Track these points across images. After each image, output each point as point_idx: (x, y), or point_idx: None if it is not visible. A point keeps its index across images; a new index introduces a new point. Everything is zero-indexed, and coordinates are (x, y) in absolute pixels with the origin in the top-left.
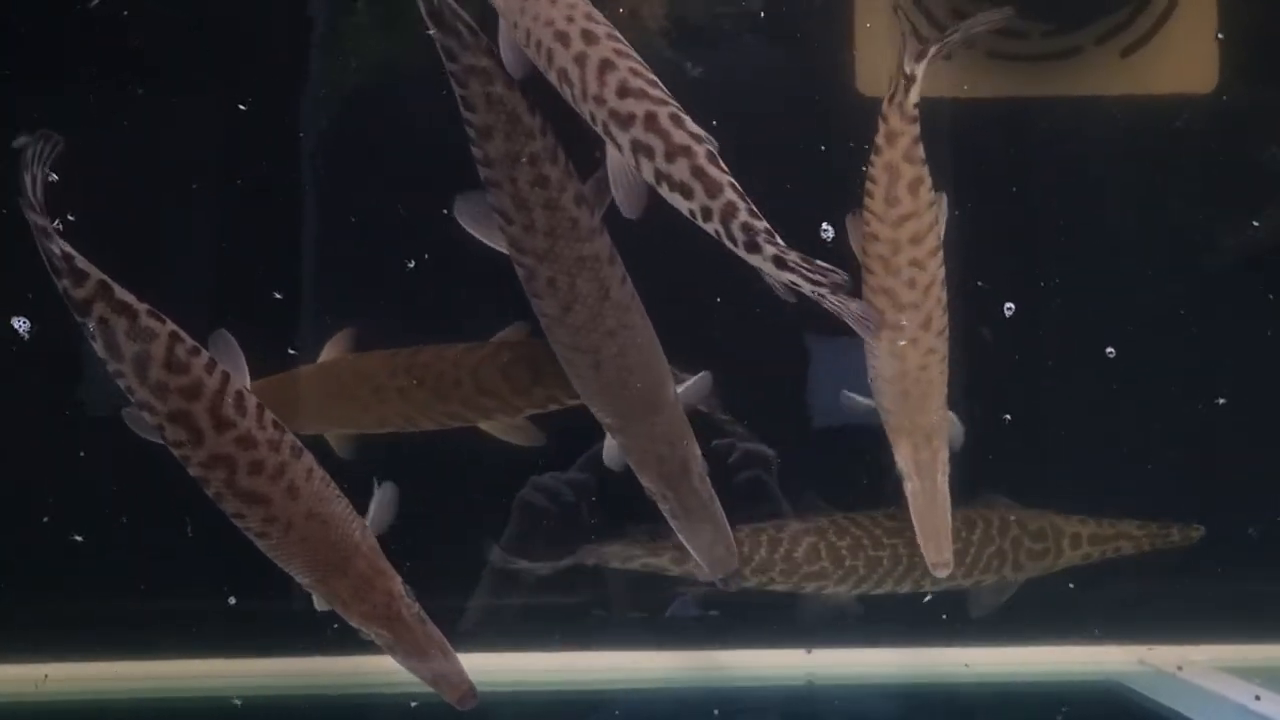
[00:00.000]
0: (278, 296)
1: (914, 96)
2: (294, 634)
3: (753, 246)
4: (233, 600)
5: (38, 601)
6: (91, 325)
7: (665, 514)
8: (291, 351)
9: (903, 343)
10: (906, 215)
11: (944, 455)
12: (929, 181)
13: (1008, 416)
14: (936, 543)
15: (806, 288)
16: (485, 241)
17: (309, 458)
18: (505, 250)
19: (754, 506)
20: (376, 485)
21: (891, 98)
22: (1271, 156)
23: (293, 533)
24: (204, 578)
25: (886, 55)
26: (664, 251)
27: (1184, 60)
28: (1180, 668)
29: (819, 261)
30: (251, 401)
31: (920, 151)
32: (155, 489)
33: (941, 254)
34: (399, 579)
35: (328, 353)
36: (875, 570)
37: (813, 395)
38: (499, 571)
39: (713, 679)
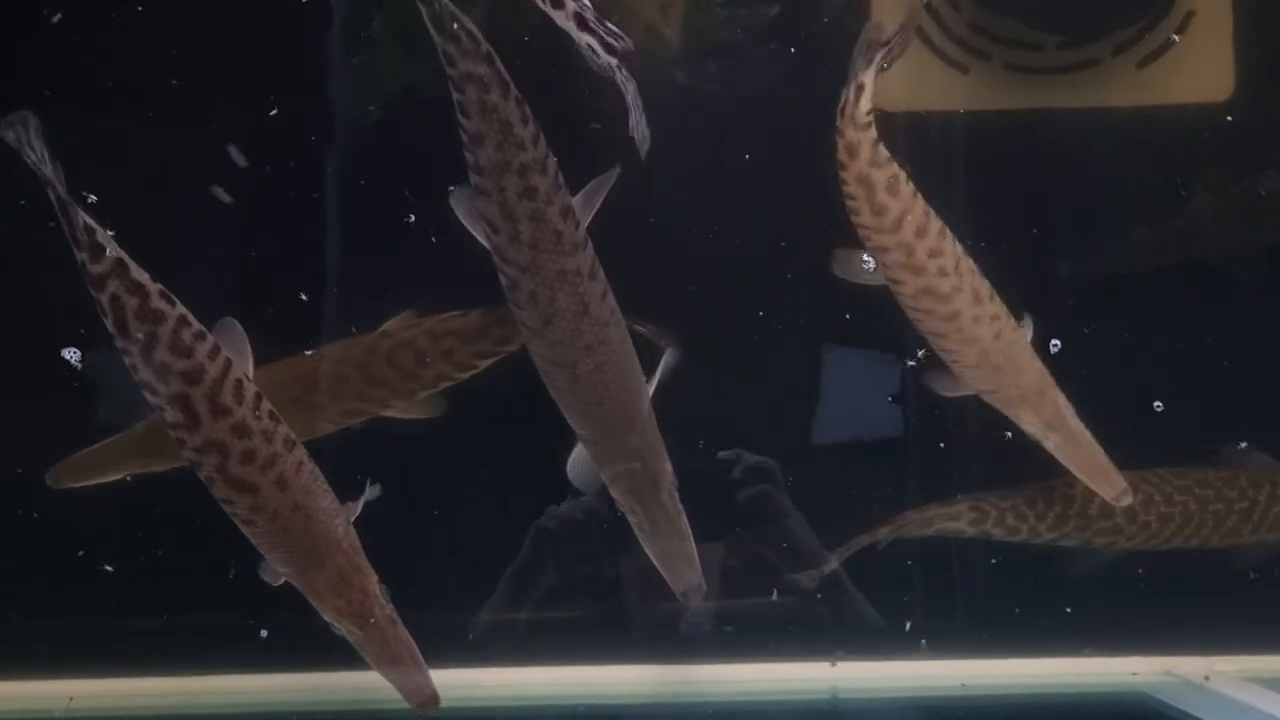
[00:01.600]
0: (303, 298)
1: (865, 104)
2: (321, 650)
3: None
4: (264, 633)
5: (64, 618)
6: (104, 301)
7: (633, 526)
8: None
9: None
10: (899, 216)
11: (1062, 399)
12: (903, 174)
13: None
14: (1105, 478)
15: (601, 54)
16: (475, 235)
17: (301, 451)
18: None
19: (761, 521)
20: (369, 484)
21: (843, 110)
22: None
23: (278, 523)
24: (229, 594)
25: (902, 69)
26: (669, 258)
27: (1200, 70)
28: (1207, 678)
29: (609, 24)
30: (250, 391)
31: (884, 152)
32: (183, 506)
33: (946, 228)
34: (376, 578)
35: None
36: (1167, 526)
37: (821, 406)
38: (514, 585)
39: (735, 692)
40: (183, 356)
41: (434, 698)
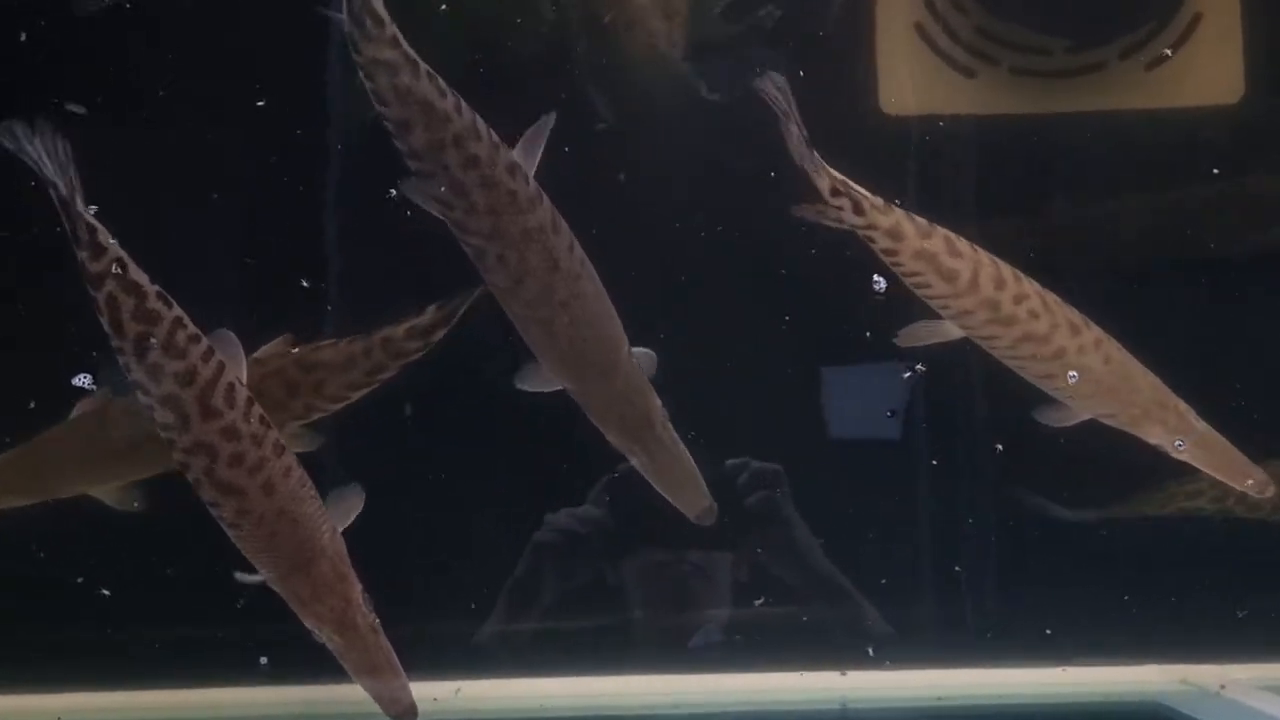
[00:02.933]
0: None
1: (866, 193)
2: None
3: None
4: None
5: (52, 632)
6: (100, 300)
7: (637, 466)
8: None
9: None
10: (972, 275)
11: (1182, 404)
12: (947, 231)
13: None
14: (1243, 470)
15: None
16: (434, 214)
17: (290, 457)
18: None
19: (766, 526)
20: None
21: (857, 209)
22: None
23: (263, 527)
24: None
25: (909, 74)
26: (671, 262)
27: (1210, 72)
28: (1223, 687)
29: None
30: (241, 395)
31: (922, 220)
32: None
33: (1016, 269)
34: (359, 587)
35: (78, 411)
36: None
37: (825, 412)
38: (519, 594)
39: (745, 703)
40: (176, 357)
41: (411, 709)
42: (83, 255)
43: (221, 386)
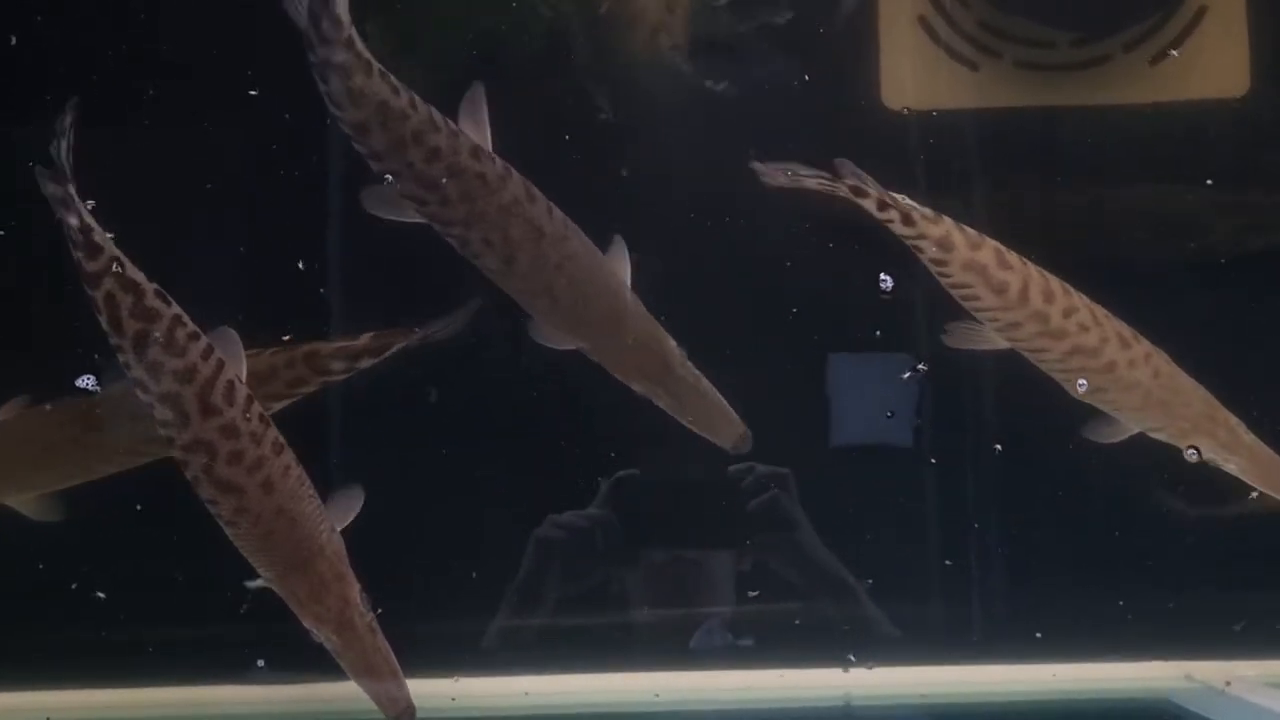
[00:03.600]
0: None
1: (914, 204)
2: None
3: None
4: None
5: (40, 630)
6: (99, 298)
7: (664, 408)
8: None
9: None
10: (1022, 286)
11: (1232, 418)
12: (998, 243)
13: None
14: None
15: None
16: (403, 220)
17: (289, 456)
18: (425, 222)
19: (772, 528)
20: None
21: (907, 220)
22: None
23: (261, 526)
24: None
25: (912, 67)
26: (675, 260)
27: (1215, 65)
28: (1228, 683)
29: None
30: (241, 393)
31: (971, 230)
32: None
33: (1060, 280)
34: (358, 587)
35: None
36: None
37: (831, 413)
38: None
39: (747, 699)
40: (176, 355)
41: (410, 709)
42: (79, 255)
43: (221, 384)
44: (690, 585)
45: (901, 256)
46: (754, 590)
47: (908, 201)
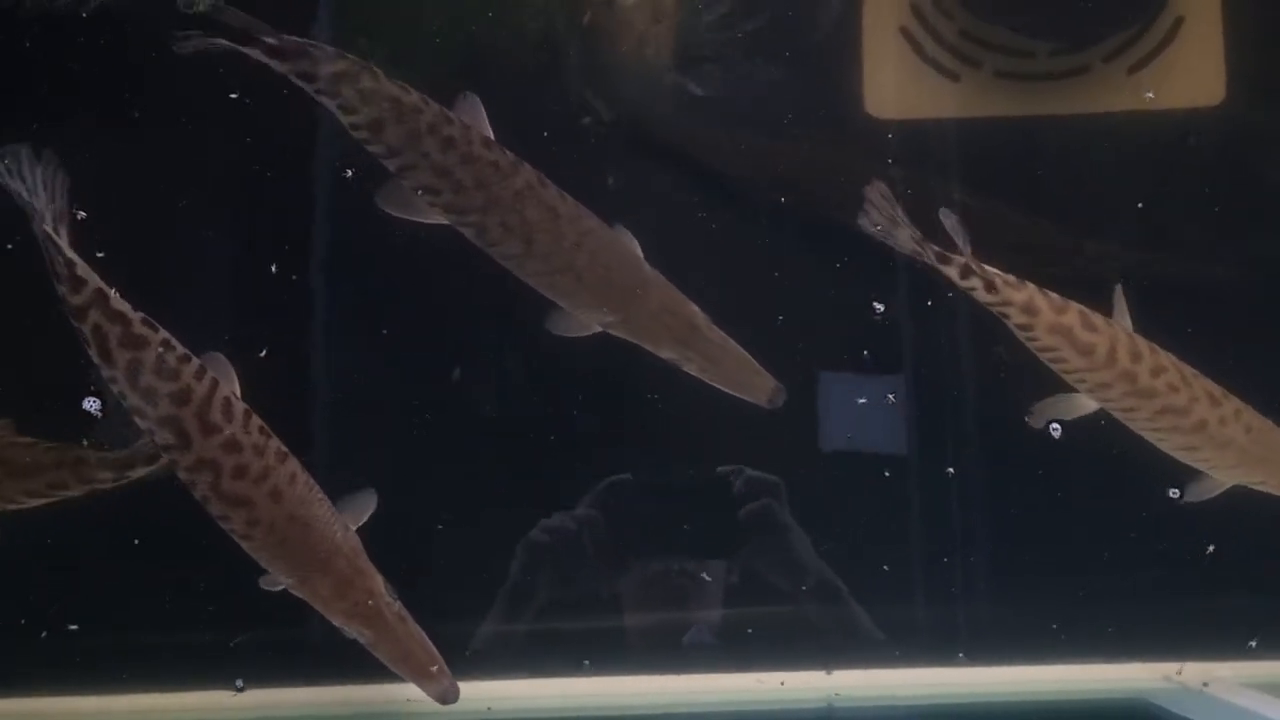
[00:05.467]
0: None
1: (998, 271)
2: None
3: None
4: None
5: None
6: (86, 331)
7: (695, 373)
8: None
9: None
10: (1110, 347)
11: None
12: (1081, 306)
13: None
14: None
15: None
16: (418, 219)
17: (293, 463)
18: (442, 220)
19: (762, 535)
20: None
21: (990, 287)
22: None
23: (275, 534)
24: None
25: (895, 77)
26: (664, 267)
27: (1191, 75)
28: (1206, 684)
29: None
30: (239, 408)
31: (1053, 294)
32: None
33: (1149, 342)
34: (380, 578)
35: None
36: None
37: (822, 421)
38: (512, 596)
39: (731, 702)
40: (170, 379)
41: (453, 688)
42: (63, 289)
43: (218, 402)
44: (679, 590)
45: (889, 271)
46: (742, 595)
47: (992, 270)
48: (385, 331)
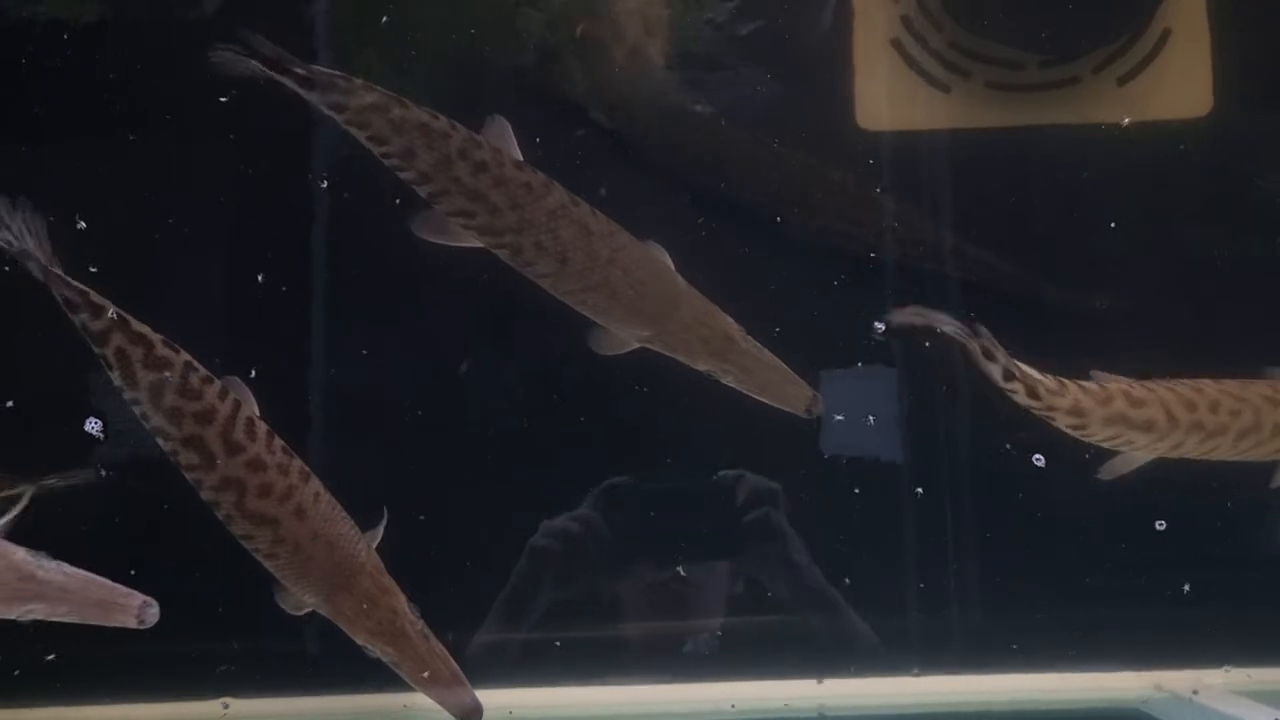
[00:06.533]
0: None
1: (1039, 376)
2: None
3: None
4: (227, 704)
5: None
6: (109, 355)
7: (732, 384)
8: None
9: None
10: (1165, 413)
11: None
12: (1121, 384)
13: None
14: None
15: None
16: (454, 244)
17: (316, 482)
18: (476, 244)
19: (762, 543)
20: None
21: (1032, 394)
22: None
23: (300, 553)
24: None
25: (886, 89)
26: None
27: (1179, 86)
28: (1195, 692)
29: None
30: (261, 428)
31: (1092, 385)
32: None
33: (1188, 380)
34: (403, 596)
35: None
36: None
37: (821, 429)
38: (506, 605)
39: (723, 711)
40: (193, 399)
41: (477, 707)
42: (82, 317)
43: (240, 422)
44: (678, 596)
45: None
46: (739, 602)
47: (1034, 374)
48: (381, 337)
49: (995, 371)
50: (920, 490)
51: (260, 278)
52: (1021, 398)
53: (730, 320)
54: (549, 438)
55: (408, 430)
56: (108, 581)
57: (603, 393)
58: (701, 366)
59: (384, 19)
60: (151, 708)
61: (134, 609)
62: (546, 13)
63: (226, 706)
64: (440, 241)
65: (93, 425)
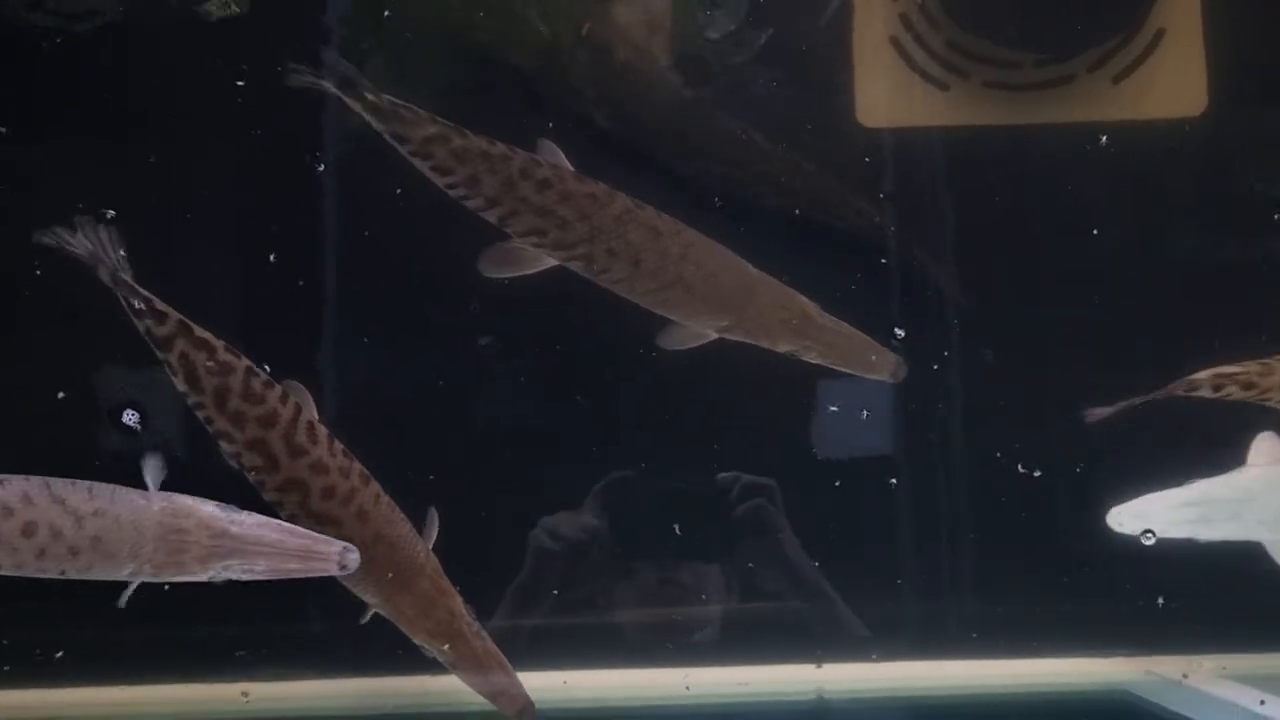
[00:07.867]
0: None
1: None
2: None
3: None
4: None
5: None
6: (174, 360)
7: (815, 360)
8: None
9: None
10: None
11: None
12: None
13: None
14: None
15: None
16: (529, 272)
17: (375, 485)
18: (554, 262)
19: (757, 538)
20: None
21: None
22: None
23: (363, 554)
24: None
25: (885, 87)
26: None
27: (1174, 84)
28: (1185, 676)
29: None
30: (322, 431)
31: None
32: None
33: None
34: (460, 598)
35: None
36: None
37: (816, 424)
38: (513, 596)
39: (722, 694)
40: (256, 403)
41: (529, 706)
42: (147, 323)
43: (302, 425)
44: (677, 587)
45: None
46: (737, 594)
47: (1234, 369)
48: (387, 334)
49: (1204, 392)
50: (894, 481)
51: (272, 257)
52: (1238, 393)
53: (805, 299)
54: (549, 436)
55: (408, 430)
56: (303, 529)
57: (603, 392)
58: (783, 348)
59: (386, 13)
60: (173, 689)
61: (334, 555)
62: (551, 13)
63: (246, 695)
64: (509, 275)
65: (130, 417)
